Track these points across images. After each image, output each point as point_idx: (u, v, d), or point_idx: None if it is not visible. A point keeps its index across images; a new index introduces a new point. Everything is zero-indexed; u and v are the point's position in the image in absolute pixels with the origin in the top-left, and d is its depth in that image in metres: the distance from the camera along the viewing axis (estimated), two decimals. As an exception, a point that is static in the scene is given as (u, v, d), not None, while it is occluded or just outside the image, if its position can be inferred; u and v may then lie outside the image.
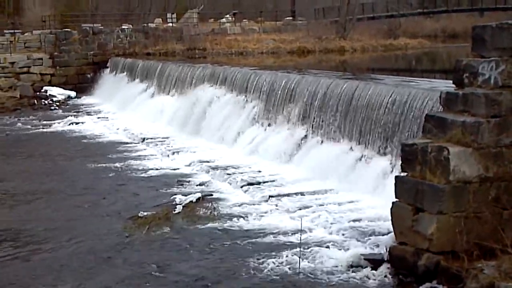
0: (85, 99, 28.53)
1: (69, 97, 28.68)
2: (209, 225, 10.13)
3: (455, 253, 7.39)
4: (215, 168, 13.89)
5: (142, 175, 13.89)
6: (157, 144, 17.31)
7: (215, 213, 10.73)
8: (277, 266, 8.26)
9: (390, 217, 8.17)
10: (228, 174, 13.26)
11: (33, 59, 29.65)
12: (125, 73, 27.39)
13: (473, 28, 8.04)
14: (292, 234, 9.43)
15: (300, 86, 14.94)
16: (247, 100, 16.96)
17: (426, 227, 7.51)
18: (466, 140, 7.51)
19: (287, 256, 8.53)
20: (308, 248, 8.75)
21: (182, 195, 11.66)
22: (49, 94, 28.34)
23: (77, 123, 21.89)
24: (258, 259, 8.51)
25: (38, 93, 28.56)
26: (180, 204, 11.09)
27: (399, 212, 7.95)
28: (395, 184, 8.07)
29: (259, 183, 12.41)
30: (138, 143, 17.96)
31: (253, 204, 11.17)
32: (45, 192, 12.64)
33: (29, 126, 21.68)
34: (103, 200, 11.91)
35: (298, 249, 8.48)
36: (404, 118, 11.25)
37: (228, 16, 42.25)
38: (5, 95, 27.78)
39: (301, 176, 12.59)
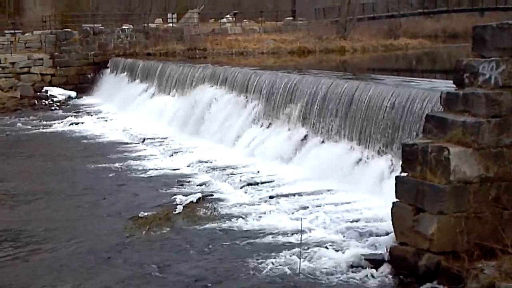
0: (85, 99, 28.53)
1: (70, 97, 28.68)
2: (210, 225, 10.13)
3: (455, 253, 7.39)
4: (215, 168, 13.88)
5: (143, 175, 13.89)
6: (157, 145, 17.31)
7: (216, 213, 10.74)
8: (277, 266, 8.25)
9: (390, 218, 8.16)
10: (228, 174, 13.26)
11: (33, 59, 29.65)
12: (125, 73, 27.39)
13: (474, 28, 8.03)
14: (292, 234, 9.43)
15: (301, 86, 14.93)
16: (247, 100, 16.96)
17: (426, 227, 7.50)
18: (466, 140, 7.50)
19: (287, 256, 8.52)
20: (308, 249, 8.74)
21: (183, 195, 11.67)
22: (50, 95, 28.34)
23: (77, 123, 21.89)
24: (258, 260, 8.50)
25: (38, 93, 28.56)
26: (181, 205, 11.09)
27: (399, 212, 7.94)
28: (396, 184, 8.06)
29: (259, 183, 12.40)
30: (139, 143, 17.96)
31: (253, 205, 11.16)
32: (45, 192, 12.64)
33: (30, 127, 21.68)
34: (104, 200, 11.91)
35: (298, 250, 8.48)
36: (405, 118, 11.25)
37: (228, 16, 42.25)
38: (5, 96, 27.77)
39: (301, 177, 12.58)
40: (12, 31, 33.21)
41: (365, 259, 8.16)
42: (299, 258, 8.20)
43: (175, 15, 39.78)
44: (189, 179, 13.25)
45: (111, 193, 12.35)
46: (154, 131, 19.23)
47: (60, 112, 25.38)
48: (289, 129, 14.73)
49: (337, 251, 8.63)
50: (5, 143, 18.85)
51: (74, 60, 30.37)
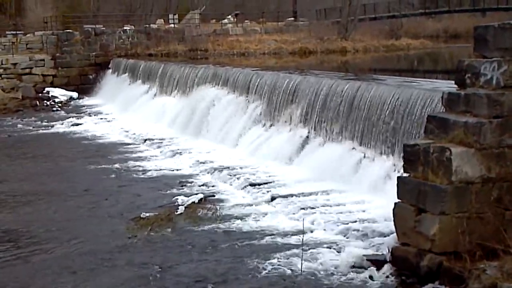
0: (87, 100, 28.56)
1: (71, 98, 28.72)
2: (211, 226, 10.12)
3: (457, 254, 7.37)
4: (217, 169, 13.87)
5: (144, 176, 13.89)
6: (159, 145, 17.31)
7: (217, 214, 10.73)
8: (278, 267, 8.25)
9: (392, 218, 8.15)
10: (230, 175, 13.25)
11: (35, 60, 29.68)
12: (127, 74, 27.40)
13: (475, 29, 8.01)
14: (293, 235, 9.43)
15: (302, 87, 14.93)
16: (249, 100, 16.96)
17: (428, 228, 7.49)
18: (468, 141, 7.49)
19: (288, 257, 8.52)
20: (309, 249, 8.73)
21: (184, 196, 11.67)
22: (51, 95, 28.38)
23: (79, 124, 21.92)
24: (259, 260, 8.49)
25: (40, 94, 28.61)
26: (182, 205, 11.09)
27: (401, 212, 7.93)
28: (397, 184, 8.05)
29: (261, 184, 12.39)
30: (140, 144, 17.96)
31: (255, 205, 11.16)
32: (47, 193, 12.64)
33: (31, 127, 21.71)
34: (105, 201, 11.91)
35: (299, 250, 8.47)
36: (407, 118, 11.23)
37: (230, 17, 42.26)
38: (7, 96, 27.81)
39: (303, 177, 12.57)
40: (14, 32, 33.29)
41: (366, 260, 8.15)
42: (301, 259, 8.19)
43: (176, 16, 39.82)
44: (191, 180, 13.25)
45: (112, 194, 12.35)
46: (155, 132, 19.24)
47: (62, 113, 25.40)
48: (290, 130, 14.72)
49: (338, 251, 8.62)
50: (6, 143, 18.86)
51: (75, 61, 30.39)
